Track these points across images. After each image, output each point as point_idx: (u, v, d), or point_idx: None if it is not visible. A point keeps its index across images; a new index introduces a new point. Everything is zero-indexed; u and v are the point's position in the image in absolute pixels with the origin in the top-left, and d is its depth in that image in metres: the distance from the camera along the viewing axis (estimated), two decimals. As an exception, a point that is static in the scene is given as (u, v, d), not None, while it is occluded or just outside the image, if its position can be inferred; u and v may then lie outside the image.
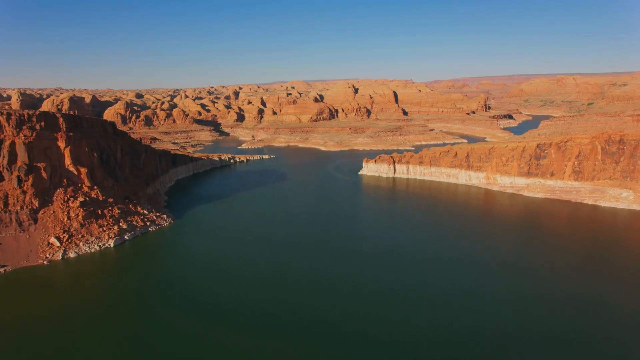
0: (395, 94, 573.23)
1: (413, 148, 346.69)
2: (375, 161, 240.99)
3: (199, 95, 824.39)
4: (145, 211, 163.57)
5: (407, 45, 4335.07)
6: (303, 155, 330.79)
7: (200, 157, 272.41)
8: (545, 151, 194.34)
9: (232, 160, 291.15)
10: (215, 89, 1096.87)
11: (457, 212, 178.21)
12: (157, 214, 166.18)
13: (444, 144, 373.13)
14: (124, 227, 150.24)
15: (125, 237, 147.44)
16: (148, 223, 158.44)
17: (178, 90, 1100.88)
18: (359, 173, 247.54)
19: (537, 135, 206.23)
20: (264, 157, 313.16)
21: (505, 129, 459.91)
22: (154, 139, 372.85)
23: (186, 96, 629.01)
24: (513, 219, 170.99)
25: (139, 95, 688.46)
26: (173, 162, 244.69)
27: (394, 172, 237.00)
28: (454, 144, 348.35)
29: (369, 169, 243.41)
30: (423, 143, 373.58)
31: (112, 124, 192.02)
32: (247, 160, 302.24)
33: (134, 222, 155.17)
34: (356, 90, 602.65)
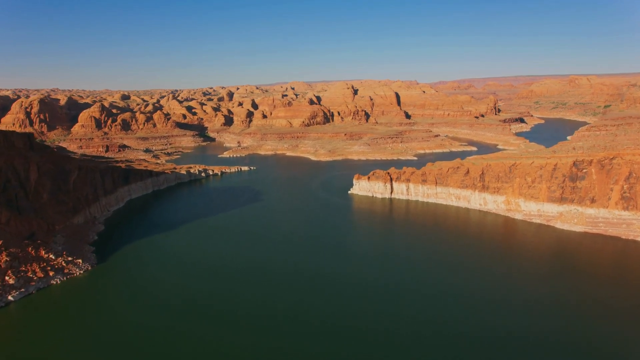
0: (398, 96, 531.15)
1: (415, 158, 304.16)
2: (369, 178, 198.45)
3: (192, 97, 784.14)
4: (52, 255, 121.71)
5: (412, 46, 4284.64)
6: (289, 167, 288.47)
7: (163, 170, 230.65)
8: (584, 170, 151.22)
9: (203, 174, 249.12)
10: (214, 90, 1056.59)
11: (469, 250, 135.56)
12: (70, 258, 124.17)
13: (451, 152, 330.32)
14: (11, 282, 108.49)
15: (9, 297, 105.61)
16: (51, 273, 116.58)
17: (176, 91, 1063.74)
18: (349, 192, 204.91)
19: (571, 149, 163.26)
20: (243, 169, 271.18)
21: (517, 134, 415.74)
22: (123, 146, 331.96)
23: (174, 97, 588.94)
24: (542, 262, 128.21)
25: (125, 97, 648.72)
26: (125, 179, 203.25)
27: (391, 192, 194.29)
28: (464, 154, 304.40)
29: (361, 188, 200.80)
30: (427, 151, 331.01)
31: (27, 135, 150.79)
32: (222, 173, 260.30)
33: (30, 274, 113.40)
34: (355, 92, 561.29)
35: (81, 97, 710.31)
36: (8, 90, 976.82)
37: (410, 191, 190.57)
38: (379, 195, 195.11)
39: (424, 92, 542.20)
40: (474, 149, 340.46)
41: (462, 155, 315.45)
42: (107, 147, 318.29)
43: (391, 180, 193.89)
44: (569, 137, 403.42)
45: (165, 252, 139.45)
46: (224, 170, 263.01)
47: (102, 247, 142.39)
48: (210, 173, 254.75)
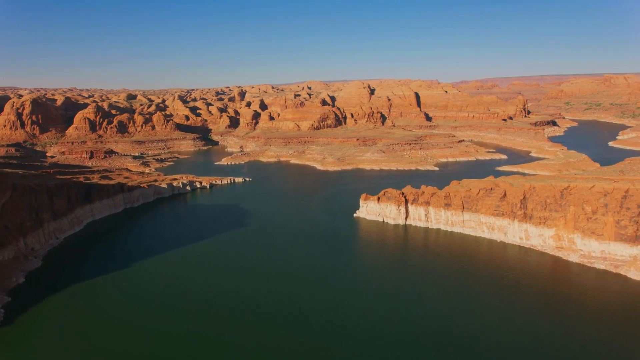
0: (418, 96, 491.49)
1: (436, 168, 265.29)
2: (379, 199, 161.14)
3: (204, 96, 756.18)
4: None
5: (432, 46, 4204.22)
6: (290, 178, 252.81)
7: (139, 184, 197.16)
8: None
9: (188, 187, 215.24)
10: (230, 89, 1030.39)
11: (506, 305, 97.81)
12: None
13: (477, 161, 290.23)
14: None
15: None
16: None
17: (192, 90, 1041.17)
18: (355, 215, 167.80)
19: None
20: (237, 180, 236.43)
21: (550, 138, 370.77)
22: (111, 152, 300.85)
23: (180, 97, 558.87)
24: (610, 327, 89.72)
25: (131, 96, 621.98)
26: (87, 196, 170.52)
27: (406, 217, 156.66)
28: (492, 163, 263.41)
29: (369, 211, 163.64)
30: (449, 159, 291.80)
31: None
32: (212, 185, 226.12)
33: None
34: (372, 92, 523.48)
35: (91, 96, 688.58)
36: (25, 89, 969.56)
37: (430, 217, 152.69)
38: (391, 221, 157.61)
39: (446, 92, 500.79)
40: (504, 157, 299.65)
41: (490, 164, 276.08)
42: (92, 153, 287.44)
43: (406, 202, 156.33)
44: (610, 144, 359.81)
45: (103, 304, 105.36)
46: (214, 182, 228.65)
47: (25, 295, 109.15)
48: (198, 186, 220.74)
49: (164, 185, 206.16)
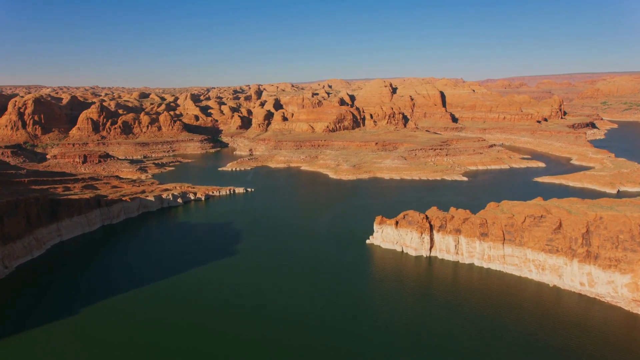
0: (443, 95, 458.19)
1: (465, 178, 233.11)
2: (397, 223, 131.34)
3: (220, 95, 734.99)
4: None
5: (456, 44, 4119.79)
6: (298, 188, 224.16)
7: (121, 197, 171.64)
8: None
9: (179, 200, 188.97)
10: (250, 88, 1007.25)
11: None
12: None
13: (511, 170, 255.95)
14: None
15: None
16: None
17: (210, 89, 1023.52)
18: (368, 242, 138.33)
19: None
20: (237, 190, 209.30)
21: (591, 143, 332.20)
22: (106, 155, 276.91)
23: (192, 96, 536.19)
24: None
25: (144, 95, 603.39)
26: (54, 213, 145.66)
27: (431, 248, 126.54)
28: (529, 172, 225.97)
29: (385, 237, 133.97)
30: (479, 167, 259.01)
31: None
32: (208, 196, 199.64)
33: None
34: (394, 90, 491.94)
35: (107, 94, 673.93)
36: (48, 87, 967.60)
37: (461, 249, 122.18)
38: (412, 252, 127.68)
39: (473, 91, 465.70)
40: (541, 164, 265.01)
41: (526, 173, 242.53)
42: (85, 157, 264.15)
43: (431, 228, 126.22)
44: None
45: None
46: (210, 192, 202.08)
47: None
48: (192, 198, 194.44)
49: (151, 197, 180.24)
